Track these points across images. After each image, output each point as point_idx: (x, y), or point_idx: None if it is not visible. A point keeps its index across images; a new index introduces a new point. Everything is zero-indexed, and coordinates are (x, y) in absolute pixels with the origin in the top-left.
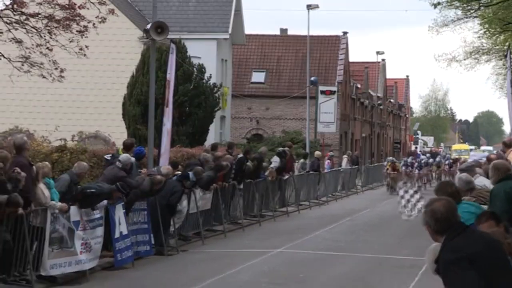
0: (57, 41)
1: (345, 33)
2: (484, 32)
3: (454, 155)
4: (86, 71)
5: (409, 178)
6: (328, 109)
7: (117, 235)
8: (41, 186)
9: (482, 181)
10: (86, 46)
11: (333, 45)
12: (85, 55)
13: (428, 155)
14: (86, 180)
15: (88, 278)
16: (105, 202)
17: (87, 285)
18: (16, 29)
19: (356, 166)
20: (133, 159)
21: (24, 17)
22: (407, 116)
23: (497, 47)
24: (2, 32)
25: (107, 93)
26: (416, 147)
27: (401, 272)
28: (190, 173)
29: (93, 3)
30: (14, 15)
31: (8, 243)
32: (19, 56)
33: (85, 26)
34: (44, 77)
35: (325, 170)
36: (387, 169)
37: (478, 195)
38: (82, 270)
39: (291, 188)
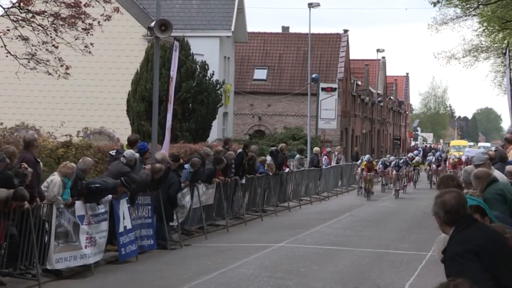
0: (62, 38)
1: (345, 31)
2: (483, 30)
3: (452, 151)
4: (91, 68)
5: (387, 179)
6: (329, 105)
7: (121, 229)
8: (58, 182)
9: None
10: (91, 44)
11: (334, 42)
12: (90, 52)
13: (416, 152)
14: (91, 176)
15: (93, 271)
16: (109, 196)
17: (92, 278)
18: (23, 27)
19: (356, 162)
20: (137, 154)
21: (30, 15)
22: (406, 113)
23: (495, 45)
24: (8, 30)
25: (112, 90)
26: (416, 143)
27: (401, 267)
28: (187, 165)
29: (98, 1)
30: (21, 13)
31: (14, 237)
32: (26, 53)
33: (90, 24)
34: (50, 74)
35: (323, 166)
36: (362, 169)
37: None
38: (87, 264)
39: (292, 184)
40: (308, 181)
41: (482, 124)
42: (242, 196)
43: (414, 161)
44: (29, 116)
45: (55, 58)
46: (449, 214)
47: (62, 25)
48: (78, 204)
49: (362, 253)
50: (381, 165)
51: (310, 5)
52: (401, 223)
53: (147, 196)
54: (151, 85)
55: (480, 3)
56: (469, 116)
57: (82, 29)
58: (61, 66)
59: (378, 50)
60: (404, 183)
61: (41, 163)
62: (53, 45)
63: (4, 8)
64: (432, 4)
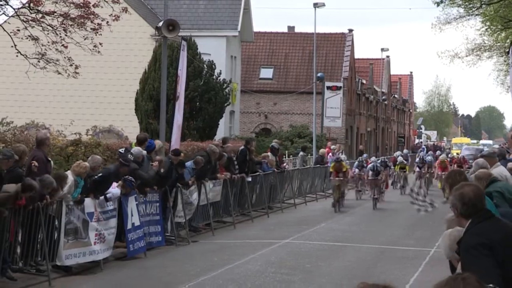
0: (72, 38)
1: (350, 30)
2: (486, 29)
3: (454, 149)
4: (100, 68)
5: (363, 185)
6: (334, 104)
7: (129, 226)
8: (70, 181)
9: (501, 172)
10: (100, 43)
11: (339, 42)
12: (99, 52)
13: (399, 153)
14: None
15: (102, 268)
16: (118, 192)
17: (101, 274)
18: (33, 27)
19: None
20: (144, 152)
21: (40, 15)
22: (411, 111)
23: (498, 44)
24: (19, 30)
25: (120, 88)
26: (420, 141)
27: (405, 263)
28: (188, 162)
29: (106, 1)
30: (31, 13)
31: None
32: (36, 53)
33: (99, 24)
34: (59, 73)
35: (328, 163)
36: (330, 173)
37: None
38: (96, 260)
39: (298, 181)
40: (313, 178)
41: (485, 122)
42: (249, 193)
43: (397, 162)
44: (39, 115)
45: (64, 57)
46: (466, 206)
47: (71, 25)
48: (87, 201)
49: (368, 249)
50: (356, 168)
51: (316, 5)
52: (406, 219)
53: (155, 193)
54: (159, 84)
55: (483, 2)
56: (472, 114)
57: (91, 29)
58: (71, 65)
59: (382, 49)
60: (383, 189)
61: (51, 162)
62: (63, 45)
63: (14, 9)
64: (436, 4)
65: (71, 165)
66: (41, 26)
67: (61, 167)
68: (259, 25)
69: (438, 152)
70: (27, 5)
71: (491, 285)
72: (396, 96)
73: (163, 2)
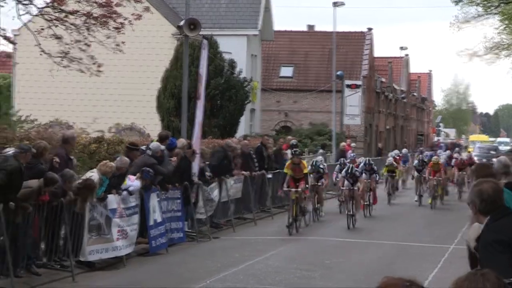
0: (94, 37)
1: (369, 29)
2: (504, 28)
3: (471, 147)
4: (122, 66)
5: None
6: (353, 102)
7: (151, 222)
8: (96, 180)
9: None
10: (123, 42)
11: (358, 40)
12: (121, 50)
13: (394, 152)
14: None
15: (124, 263)
16: (138, 184)
17: (124, 270)
18: (56, 26)
19: (379, 157)
20: (163, 147)
21: (63, 14)
22: (430, 109)
23: None
24: (43, 29)
25: (142, 87)
26: (439, 139)
27: (423, 260)
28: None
29: (129, 0)
30: (54, 12)
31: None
32: (59, 52)
33: (121, 23)
34: (82, 71)
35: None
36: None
37: None
38: (119, 256)
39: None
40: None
41: (504, 119)
42: (270, 190)
43: (386, 163)
44: (63, 113)
45: (87, 56)
46: (484, 203)
47: (94, 24)
48: (111, 197)
49: (386, 245)
50: (337, 172)
51: (335, 4)
52: (423, 217)
53: (176, 190)
54: (180, 82)
55: (501, 1)
56: (491, 112)
57: (114, 28)
58: (94, 64)
59: (401, 48)
60: (367, 201)
61: (74, 160)
62: (86, 44)
63: (38, 8)
64: (454, 3)
65: (94, 162)
66: (65, 25)
67: (85, 164)
68: (279, 24)
69: (456, 149)
70: (50, 4)
71: (511, 279)
72: (415, 94)
73: (185, 1)
